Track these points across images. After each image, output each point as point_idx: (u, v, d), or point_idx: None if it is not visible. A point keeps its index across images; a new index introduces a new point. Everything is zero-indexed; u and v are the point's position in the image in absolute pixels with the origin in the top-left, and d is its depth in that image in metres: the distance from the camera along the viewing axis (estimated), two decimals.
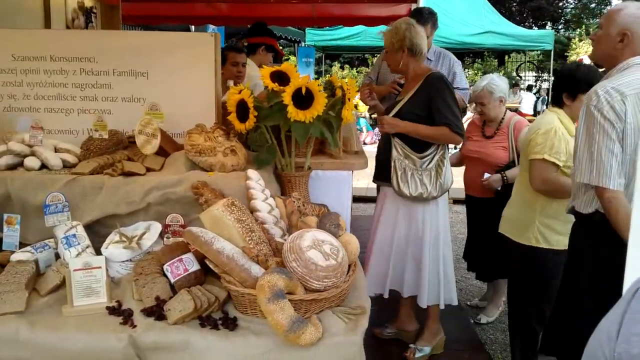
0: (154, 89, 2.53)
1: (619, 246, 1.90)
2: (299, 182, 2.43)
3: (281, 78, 2.27)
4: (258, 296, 1.61)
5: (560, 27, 27.91)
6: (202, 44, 2.53)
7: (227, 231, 1.81)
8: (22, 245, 2.08)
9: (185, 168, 2.26)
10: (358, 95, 2.90)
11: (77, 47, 2.54)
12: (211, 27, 7.80)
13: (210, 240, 1.73)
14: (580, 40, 17.96)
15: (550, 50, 14.50)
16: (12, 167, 2.25)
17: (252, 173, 2.14)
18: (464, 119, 3.12)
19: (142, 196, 2.09)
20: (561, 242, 2.57)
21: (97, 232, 2.13)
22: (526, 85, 17.49)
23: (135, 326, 1.67)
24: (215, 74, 2.53)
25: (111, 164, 2.22)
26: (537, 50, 17.55)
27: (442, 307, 3.00)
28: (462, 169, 3.71)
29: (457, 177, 3.25)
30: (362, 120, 13.81)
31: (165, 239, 2.06)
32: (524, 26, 21.19)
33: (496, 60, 21.41)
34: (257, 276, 1.69)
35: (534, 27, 25.30)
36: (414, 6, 5.35)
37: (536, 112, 15.16)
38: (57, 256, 2.02)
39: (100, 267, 1.80)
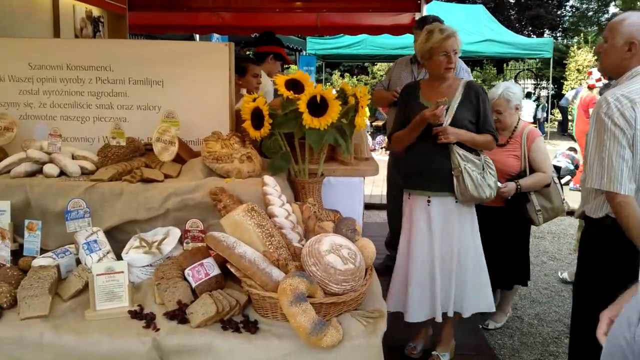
0: (168, 97, 2.57)
1: (630, 250, 1.94)
2: (312, 189, 2.47)
3: (295, 86, 2.32)
4: (280, 299, 1.64)
5: (558, 35, 28.08)
6: (216, 53, 2.58)
7: (248, 236, 1.84)
8: (41, 251, 2.12)
9: (202, 174, 2.29)
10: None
11: (93, 56, 2.58)
12: (215, 36, 7.87)
13: (232, 244, 1.77)
14: (578, 48, 18.04)
15: (549, 58, 14.60)
16: (31, 174, 2.29)
17: (268, 179, 2.18)
18: None
19: (161, 202, 2.13)
20: None
21: (115, 237, 2.16)
22: (525, 92, 17.57)
23: (158, 329, 1.71)
24: (230, 83, 2.57)
25: (129, 171, 2.26)
26: (535, 58, 17.66)
27: (484, 310, 3.01)
28: None
29: None
30: None
31: (185, 244, 2.09)
32: (522, 34, 21.33)
33: (495, 69, 21.51)
34: (277, 280, 1.72)
35: (532, 36, 25.45)
36: (417, 15, 5.42)
37: (536, 120, 15.23)
38: (78, 261, 2.05)
39: (122, 272, 1.84)
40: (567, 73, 18.28)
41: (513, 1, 27.24)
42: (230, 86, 2.59)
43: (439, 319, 2.90)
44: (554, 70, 16.12)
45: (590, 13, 26.94)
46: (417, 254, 2.90)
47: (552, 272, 4.94)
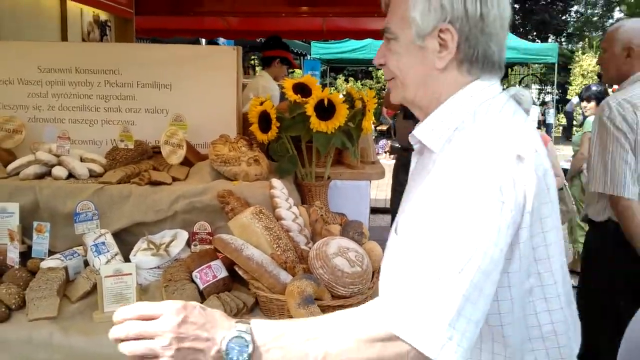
0: (176, 100, 2.58)
1: (632, 252, 1.96)
2: (319, 192, 2.48)
3: (303, 90, 2.33)
4: (288, 301, 1.65)
5: (563, 40, 28.08)
6: (224, 57, 2.60)
7: (256, 238, 1.85)
8: (49, 253, 2.13)
9: (210, 177, 2.30)
10: None
11: (101, 60, 2.60)
12: (221, 40, 7.91)
13: (240, 247, 1.78)
14: (583, 53, 18.07)
15: (554, 63, 14.60)
16: (39, 176, 2.30)
17: (276, 182, 2.19)
18: None
19: (170, 204, 2.14)
20: None
21: (123, 240, 2.17)
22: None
23: None
24: (237, 86, 2.59)
25: (137, 174, 2.27)
26: (540, 63, 17.67)
27: None
28: None
29: None
30: None
31: (192, 246, 2.10)
32: (527, 39, 21.34)
33: None
34: (285, 282, 1.73)
35: (537, 40, 25.44)
36: None
37: (540, 125, 15.23)
38: (86, 263, 2.06)
39: (130, 274, 1.84)
40: (571, 78, 18.29)
41: (518, 6, 27.26)
42: (238, 89, 2.60)
43: None
44: (558, 75, 16.13)
45: (595, 18, 26.96)
46: None
47: None
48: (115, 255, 2.00)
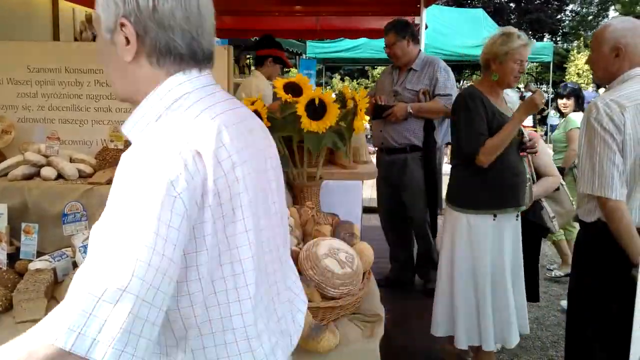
0: None
1: (621, 253, 1.95)
2: (310, 192, 2.47)
3: (294, 89, 2.32)
4: None
5: (558, 39, 28.14)
6: (215, 56, 2.57)
7: None
8: (38, 254, 2.11)
9: None
10: None
11: (91, 59, 2.57)
12: (216, 39, 7.88)
13: None
14: (578, 52, 18.14)
15: (549, 62, 14.63)
16: (28, 177, 2.28)
17: None
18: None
19: None
20: None
21: None
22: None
23: None
24: (228, 86, 2.57)
25: None
26: (535, 62, 17.70)
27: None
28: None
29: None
30: None
31: None
32: None
33: None
34: None
35: (532, 40, 25.46)
36: (417, 19, 5.42)
37: (535, 123, 15.24)
38: (75, 265, 2.04)
39: None
40: (567, 77, 18.35)
41: (513, 5, 27.32)
42: (229, 89, 2.59)
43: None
44: (554, 74, 16.16)
45: (590, 17, 27.03)
46: (486, 275, 2.74)
47: (551, 275, 4.93)
48: None
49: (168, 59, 1.02)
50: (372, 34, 7.32)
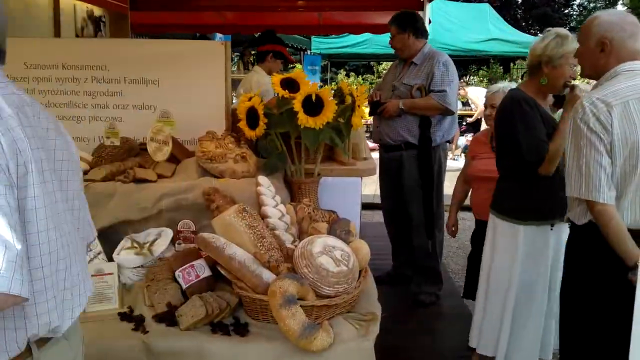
0: (164, 96, 2.55)
1: (613, 256, 1.89)
2: (308, 189, 2.44)
3: (291, 85, 2.29)
4: (270, 302, 1.62)
5: None
6: (213, 52, 2.56)
7: (239, 237, 1.82)
8: None
9: (197, 175, 2.27)
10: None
11: (88, 56, 2.57)
12: (218, 35, 7.86)
13: (222, 246, 1.74)
14: None
15: None
16: None
17: (262, 179, 2.15)
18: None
19: (154, 202, 2.11)
20: None
21: (108, 238, 2.13)
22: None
23: (147, 332, 1.69)
24: (226, 82, 2.55)
25: (123, 171, 2.24)
26: None
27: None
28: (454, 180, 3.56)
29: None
30: None
31: (176, 245, 2.07)
32: (529, 33, 21.20)
33: (501, 67, 21.38)
34: (268, 282, 1.70)
35: (539, 34, 25.25)
36: (420, 14, 5.36)
37: None
38: None
39: (112, 274, 1.82)
40: None
41: (519, 0, 27.11)
42: (227, 84, 2.57)
43: None
44: None
45: None
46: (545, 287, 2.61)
47: None
48: (99, 254, 1.98)
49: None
50: (375, 29, 7.26)
